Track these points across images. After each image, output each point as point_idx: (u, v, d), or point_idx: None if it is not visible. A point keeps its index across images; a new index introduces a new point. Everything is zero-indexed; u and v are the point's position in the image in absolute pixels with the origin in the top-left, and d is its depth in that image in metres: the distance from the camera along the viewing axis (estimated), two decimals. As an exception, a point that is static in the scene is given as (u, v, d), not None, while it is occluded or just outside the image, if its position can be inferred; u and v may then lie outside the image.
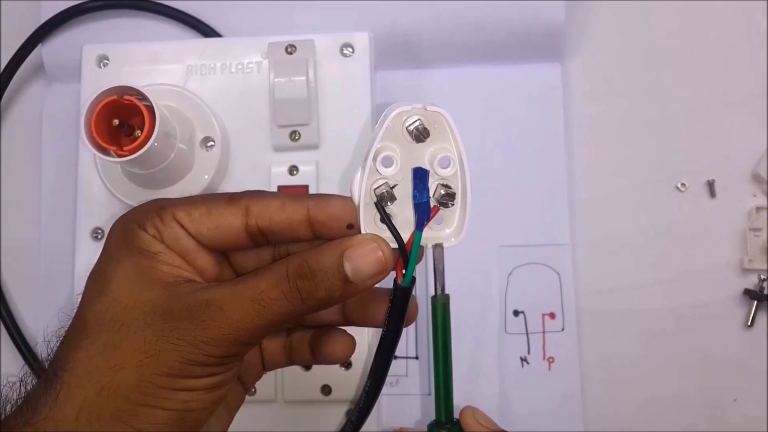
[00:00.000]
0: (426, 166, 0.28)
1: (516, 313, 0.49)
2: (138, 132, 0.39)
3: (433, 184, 0.28)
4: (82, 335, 0.27)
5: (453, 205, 0.28)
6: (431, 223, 0.28)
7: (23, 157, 0.53)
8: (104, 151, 0.39)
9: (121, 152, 0.39)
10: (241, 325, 0.26)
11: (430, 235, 0.29)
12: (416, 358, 0.49)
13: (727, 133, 0.50)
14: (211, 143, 0.45)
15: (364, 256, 0.27)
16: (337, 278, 0.27)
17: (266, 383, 0.44)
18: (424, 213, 0.28)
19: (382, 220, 0.28)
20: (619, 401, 0.48)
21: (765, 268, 0.48)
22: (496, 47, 0.51)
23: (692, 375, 0.48)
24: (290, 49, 0.45)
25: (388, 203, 0.28)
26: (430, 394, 0.48)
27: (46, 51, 0.52)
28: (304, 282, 0.26)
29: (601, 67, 0.52)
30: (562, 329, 0.48)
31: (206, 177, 0.45)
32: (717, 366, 0.48)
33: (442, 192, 0.28)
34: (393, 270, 0.28)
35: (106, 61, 0.47)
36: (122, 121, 0.39)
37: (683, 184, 0.50)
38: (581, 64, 0.52)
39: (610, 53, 0.52)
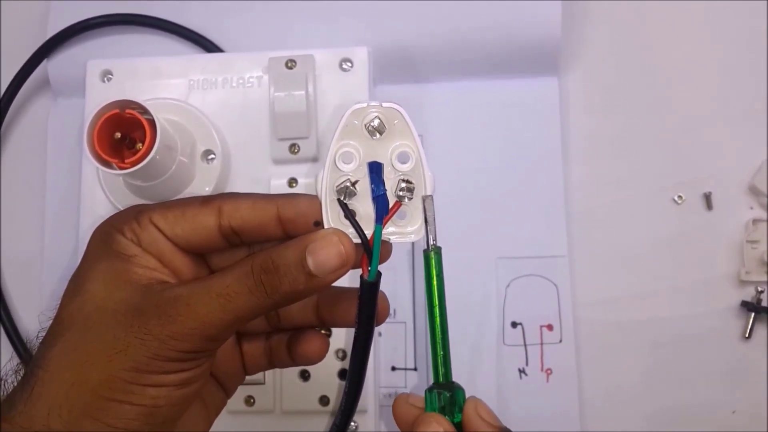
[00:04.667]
0: (387, 162, 0.29)
1: (514, 324, 0.49)
2: (140, 145, 0.40)
3: (395, 180, 0.29)
4: (58, 334, 0.27)
5: (412, 198, 0.29)
6: (395, 218, 0.29)
7: (28, 169, 0.54)
8: (106, 164, 0.40)
9: (122, 165, 0.40)
10: (208, 319, 0.27)
11: (394, 230, 0.29)
12: (415, 369, 0.49)
13: (724, 145, 0.51)
14: (212, 156, 0.46)
15: (326, 249, 0.27)
16: (300, 272, 0.27)
17: (265, 394, 0.45)
18: (382, 206, 0.29)
19: (346, 216, 0.28)
20: (617, 413, 0.48)
21: (762, 280, 0.48)
22: (493, 62, 0.51)
23: (690, 387, 0.48)
24: (290, 63, 0.46)
25: (351, 199, 0.29)
26: (428, 406, 0.49)
27: (51, 66, 0.53)
28: (268, 276, 0.27)
29: (598, 81, 0.53)
30: (560, 341, 0.48)
31: (207, 189, 0.45)
32: (715, 378, 0.48)
33: (402, 186, 0.29)
34: (359, 266, 0.28)
35: (110, 76, 0.48)
36: (124, 134, 0.40)
37: (680, 197, 0.50)
38: (578, 78, 0.53)
39: (607, 67, 0.53)
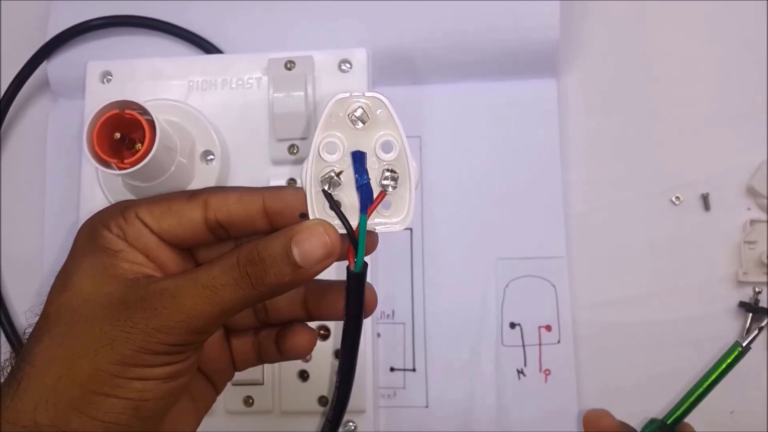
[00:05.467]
0: (371, 152, 0.29)
1: (512, 325, 0.49)
2: (139, 145, 0.40)
3: (379, 170, 0.29)
4: (44, 329, 0.27)
5: (396, 187, 0.28)
6: (380, 209, 0.29)
7: (28, 169, 0.54)
8: (105, 164, 0.40)
9: (122, 165, 0.40)
10: (194, 312, 0.27)
11: (379, 221, 0.29)
12: (413, 370, 0.49)
13: (722, 146, 0.51)
14: (211, 157, 0.46)
15: (311, 240, 0.27)
16: (286, 263, 0.27)
17: (263, 394, 0.45)
18: (366, 196, 0.28)
19: (331, 207, 0.28)
20: (615, 413, 0.48)
21: (760, 280, 0.48)
22: (492, 63, 0.52)
23: (688, 388, 0.48)
24: (289, 65, 0.46)
25: (336, 190, 0.28)
26: (427, 407, 0.49)
27: (51, 67, 0.53)
28: (254, 268, 0.27)
29: (596, 83, 0.53)
30: (558, 342, 0.49)
31: (206, 190, 0.45)
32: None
33: (387, 175, 0.28)
34: (345, 258, 0.28)
35: (110, 77, 0.48)
36: (123, 134, 0.40)
37: (678, 198, 0.50)
38: (576, 80, 0.53)
39: (605, 69, 0.53)
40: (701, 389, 0.30)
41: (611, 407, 0.48)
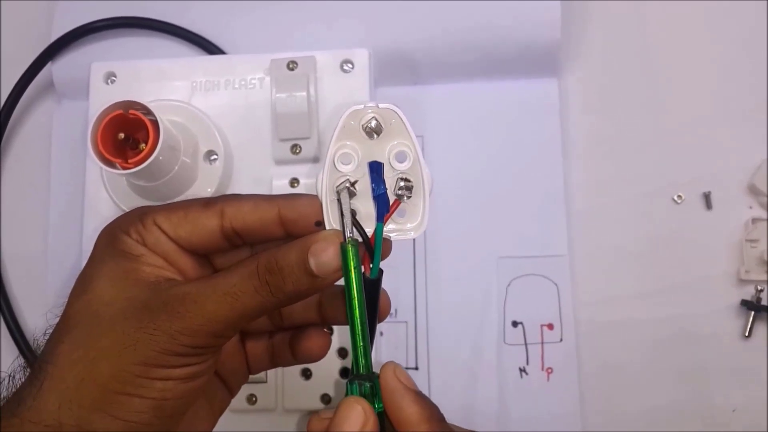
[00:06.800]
0: (385, 161, 0.29)
1: (515, 323, 0.49)
2: (143, 145, 0.40)
3: (393, 179, 0.29)
4: (65, 330, 0.28)
5: (410, 197, 0.29)
6: (395, 216, 0.29)
7: (33, 170, 0.55)
8: (110, 164, 0.40)
9: (126, 165, 0.40)
10: (215, 316, 0.27)
11: (394, 228, 0.30)
12: (416, 368, 0.49)
13: (723, 145, 0.51)
14: (215, 157, 0.46)
15: (327, 250, 0.28)
16: (303, 273, 0.28)
17: (266, 392, 0.45)
18: (383, 205, 0.29)
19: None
20: (618, 412, 0.48)
21: (762, 278, 0.48)
22: (494, 63, 0.52)
23: (690, 386, 0.48)
24: (292, 65, 0.47)
25: (351, 199, 0.29)
26: (429, 405, 0.49)
27: (56, 69, 0.54)
28: (273, 277, 0.28)
29: (597, 82, 0.53)
30: (561, 340, 0.49)
31: (209, 190, 0.46)
32: (715, 376, 0.48)
33: (401, 184, 0.29)
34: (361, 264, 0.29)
35: (114, 78, 0.49)
36: (128, 134, 0.41)
37: (680, 196, 0.51)
38: (578, 79, 0.53)
39: (606, 68, 0.53)
40: (354, 313, 0.28)
41: (613, 405, 0.48)
